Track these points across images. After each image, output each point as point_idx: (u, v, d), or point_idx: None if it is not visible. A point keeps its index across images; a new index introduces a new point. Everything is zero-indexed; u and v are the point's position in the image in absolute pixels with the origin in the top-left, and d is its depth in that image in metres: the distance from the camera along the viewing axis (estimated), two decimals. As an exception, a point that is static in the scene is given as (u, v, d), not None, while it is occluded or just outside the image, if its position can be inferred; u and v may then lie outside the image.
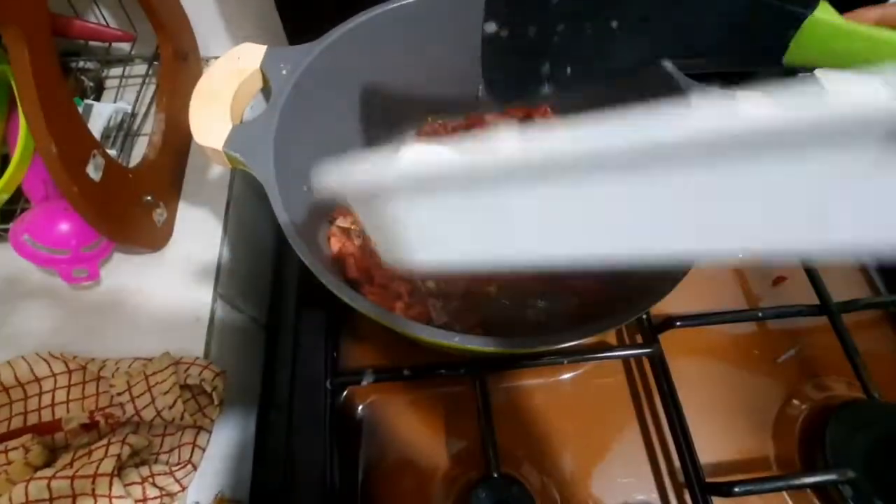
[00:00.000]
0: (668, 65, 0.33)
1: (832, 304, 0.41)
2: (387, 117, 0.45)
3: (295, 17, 0.43)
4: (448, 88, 0.45)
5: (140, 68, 0.52)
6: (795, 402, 0.41)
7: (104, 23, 0.51)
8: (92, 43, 0.52)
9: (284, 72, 0.34)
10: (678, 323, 0.40)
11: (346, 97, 0.39)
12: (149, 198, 0.41)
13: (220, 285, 0.43)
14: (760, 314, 0.41)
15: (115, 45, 0.52)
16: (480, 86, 0.45)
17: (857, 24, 0.22)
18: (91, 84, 0.51)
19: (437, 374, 0.38)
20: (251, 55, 0.34)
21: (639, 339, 0.42)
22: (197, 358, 0.39)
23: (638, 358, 0.41)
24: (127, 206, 0.39)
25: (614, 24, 0.25)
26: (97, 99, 0.51)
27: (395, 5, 0.37)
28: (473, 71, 0.44)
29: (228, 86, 0.32)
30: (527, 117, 0.46)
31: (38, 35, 0.30)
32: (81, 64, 0.51)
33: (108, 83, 0.53)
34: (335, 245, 0.40)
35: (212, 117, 0.31)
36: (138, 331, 0.40)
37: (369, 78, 0.40)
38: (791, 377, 0.42)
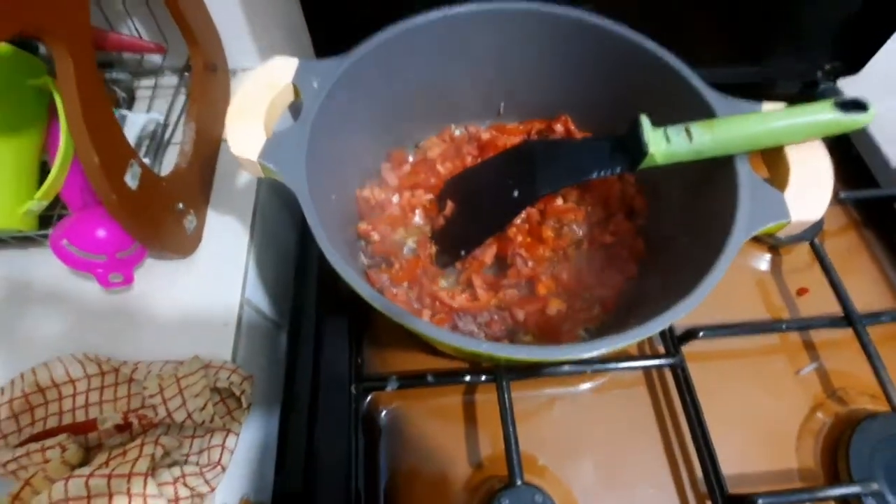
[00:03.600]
0: (693, 80, 0.34)
1: (857, 315, 0.41)
2: (410, 124, 0.46)
3: (324, 30, 0.44)
4: (471, 99, 0.46)
5: (170, 79, 0.54)
6: (819, 414, 0.41)
7: (137, 35, 0.52)
8: (125, 55, 0.54)
9: (315, 85, 0.35)
10: (701, 334, 0.40)
11: (371, 107, 0.40)
12: (180, 205, 0.42)
13: (246, 290, 0.44)
14: (784, 326, 0.41)
15: (147, 56, 0.54)
16: (502, 102, 0.46)
17: (676, 149, 0.31)
18: (123, 95, 0.53)
19: (461, 380, 0.38)
20: (284, 69, 0.35)
21: (661, 349, 0.42)
22: (225, 362, 0.40)
23: (660, 368, 0.41)
24: (160, 214, 0.40)
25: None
26: (129, 108, 0.53)
27: (420, 22, 0.38)
28: (496, 84, 0.45)
29: (263, 99, 0.33)
30: (547, 129, 0.46)
31: (82, 51, 0.31)
32: (114, 75, 0.53)
33: (139, 93, 0.55)
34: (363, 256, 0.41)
35: (247, 129, 0.32)
36: (169, 334, 0.41)
37: (394, 89, 0.41)
38: (815, 389, 0.42)
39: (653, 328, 0.27)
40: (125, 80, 0.54)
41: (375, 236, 0.42)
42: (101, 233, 0.37)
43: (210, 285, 0.44)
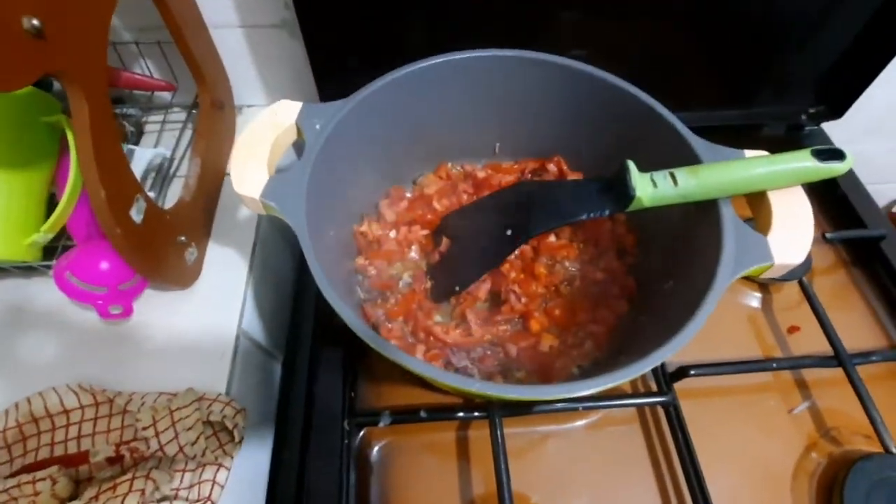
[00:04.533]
0: (680, 127, 0.36)
1: (846, 355, 0.42)
2: (408, 163, 0.48)
3: (328, 74, 0.46)
4: (467, 139, 0.48)
5: (178, 115, 0.56)
6: (813, 454, 0.41)
7: (148, 73, 0.55)
8: (136, 91, 0.56)
9: (318, 126, 0.36)
10: (692, 372, 0.40)
11: (371, 147, 0.42)
12: (182, 238, 0.43)
13: (243, 323, 0.45)
14: (775, 364, 0.41)
15: (157, 93, 0.56)
16: (497, 143, 0.48)
17: (662, 193, 0.33)
18: (132, 129, 0.55)
19: (454, 417, 0.38)
20: (288, 111, 0.37)
21: (653, 387, 0.42)
22: (220, 394, 0.40)
23: (653, 406, 0.41)
24: (162, 246, 0.41)
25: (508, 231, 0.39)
26: (136, 142, 0.55)
27: (419, 68, 0.40)
28: (492, 125, 0.47)
29: (266, 139, 0.35)
30: (540, 168, 0.48)
31: (97, 92, 0.33)
32: (125, 110, 0.55)
33: (148, 127, 0.57)
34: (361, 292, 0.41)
35: (250, 168, 0.33)
36: (165, 364, 0.41)
37: (393, 130, 0.43)
38: (808, 429, 0.42)
39: (641, 368, 0.27)
40: (135, 115, 0.56)
41: (372, 271, 0.43)
42: (104, 265, 0.38)
43: (208, 316, 0.44)
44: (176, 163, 0.52)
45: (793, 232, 0.31)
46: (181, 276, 0.44)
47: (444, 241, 0.43)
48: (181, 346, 0.43)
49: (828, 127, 0.62)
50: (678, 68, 0.53)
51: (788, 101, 0.60)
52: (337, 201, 0.39)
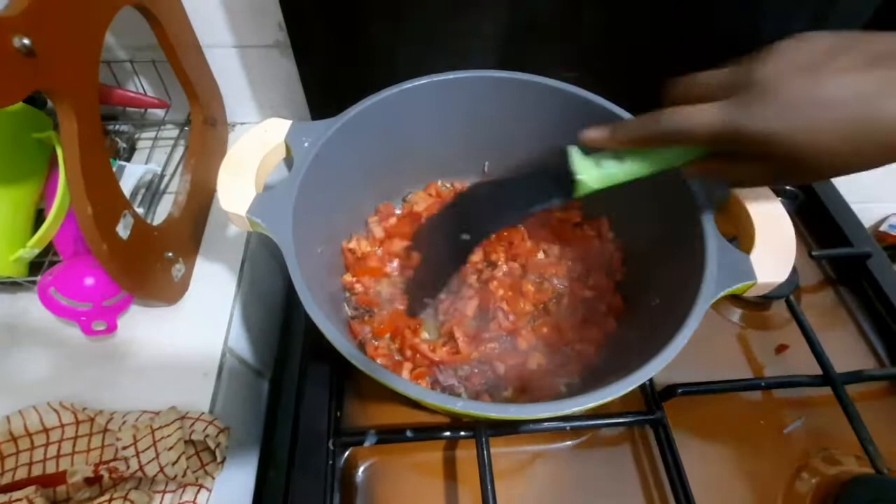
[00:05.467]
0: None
1: (835, 374, 0.42)
2: (397, 180, 0.48)
3: (318, 92, 0.47)
4: (457, 157, 0.49)
5: (171, 131, 0.56)
6: (805, 475, 0.40)
7: (142, 91, 0.55)
8: (129, 108, 0.56)
9: (306, 144, 0.37)
10: (680, 391, 0.40)
11: (360, 165, 0.42)
12: (170, 254, 0.43)
13: (229, 340, 0.44)
14: (763, 383, 0.41)
15: (150, 111, 0.57)
16: (486, 161, 0.49)
17: (609, 171, 0.32)
18: (124, 145, 0.55)
19: (440, 436, 0.38)
20: (277, 129, 0.37)
21: (642, 406, 0.42)
22: (202, 413, 0.39)
23: (641, 426, 0.41)
24: (149, 262, 0.41)
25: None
26: (128, 158, 0.55)
27: (408, 86, 0.41)
28: (481, 144, 0.48)
29: (255, 156, 0.35)
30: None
31: (87, 111, 0.33)
32: (118, 127, 0.55)
33: (140, 143, 0.57)
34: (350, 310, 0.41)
35: (238, 185, 0.34)
36: (150, 382, 0.41)
37: (383, 148, 0.43)
38: (799, 449, 0.42)
39: (626, 385, 0.27)
40: (127, 132, 0.56)
41: (359, 287, 0.43)
42: (88, 281, 0.38)
43: (194, 333, 0.44)
44: (167, 179, 0.52)
45: (775, 251, 0.32)
46: (168, 292, 0.43)
47: (415, 256, 0.43)
48: (166, 364, 0.42)
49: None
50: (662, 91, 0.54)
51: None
52: (325, 218, 0.39)
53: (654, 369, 0.27)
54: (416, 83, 0.41)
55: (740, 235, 0.35)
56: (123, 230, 0.37)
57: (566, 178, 0.33)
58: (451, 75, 0.42)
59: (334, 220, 0.42)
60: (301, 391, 0.41)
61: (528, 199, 0.35)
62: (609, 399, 0.27)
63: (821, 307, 0.51)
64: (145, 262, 0.40)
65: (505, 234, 0.46)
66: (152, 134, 0.56)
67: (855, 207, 0.57)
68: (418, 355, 0.39)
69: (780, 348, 0.47)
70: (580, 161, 0.33)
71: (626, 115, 0.40)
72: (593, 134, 0.32)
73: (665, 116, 0.28)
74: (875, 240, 0.54)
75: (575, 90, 0.41)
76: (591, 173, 0.32)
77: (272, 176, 0.40)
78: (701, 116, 0.26)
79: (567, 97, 0.42)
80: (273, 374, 0.53)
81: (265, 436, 0.49)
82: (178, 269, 0.45)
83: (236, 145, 0.35)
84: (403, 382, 0.28)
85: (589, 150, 0.33)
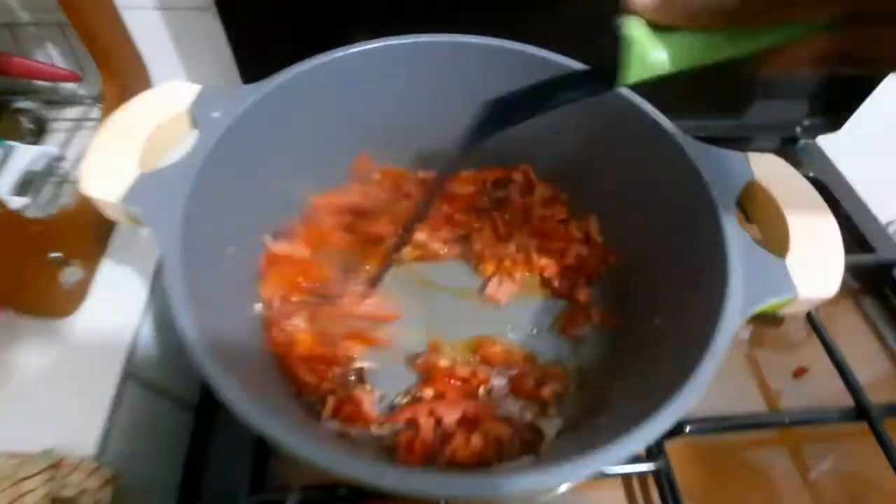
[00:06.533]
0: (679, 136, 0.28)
1: (870, 405, 0.34)
2: (345, 166, 0.40)
3: (251, 58, 0.39)
4: (419, 142, 0.41)
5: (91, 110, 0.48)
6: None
7: (51, 61, 0.47)
8: (37, 82, 0.48)
9: (217, 114, 0.29)
10: (688, 429, 0.32)
11: (293, 146, 0.34)
12: (57, 254, 0.34)
13: (134, 361, 0.36)
14: (787, 419, 0.34)
15: (64, 85, 0.48)
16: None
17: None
18: (31, 126, 0.47)
19: (382, 494, 0.30)
20: (180, 95, 0.29)
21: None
22: (83, 459, 0.31)
23: (641, 475, 0.33)
24: (22, 263, 0.32)
25: None
26: (36, 140, 0.46)
27: (356, 51, 0.33)
28: (447, 126, 0.40)
29: (142, 129, 0.27)
30: (505, 178, 0.41)
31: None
32: (20, 104, 0.47)
33: (58, 125, 0.48)
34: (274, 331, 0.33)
35: (112, 164, 0.25)
36: (22, 417, 0.32)
37: (323, 127, 0.35)
38: (830, 497, 0.34)
39: (627, 447, 0.19)
40: (33, 110, 0.47)
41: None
42: (-71, 288, 0.29)
43: (88, 354, 0.35)
44: (71, 164, 0.43)
45: (818, 255, 0.24)
46: (51, 302, 0.35)
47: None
48: (47, 393, 0.33)
49: (824, 141, 0.56)
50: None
51: (782, 111, 0.55)
52: (243, 210, 0.31)
53: (670, 417, 0.20)
54: (367, 47, 0.33)
55: (765, 236, 0.27)
56: (-29, 222, 0.28)
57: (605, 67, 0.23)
58: (409, 39, 0.34)
59: (254, 214, 0.33)
60: (211, 431, 0.32)
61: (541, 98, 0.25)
62: (606, 466, 0.19)
63: (842, 322, 0.44)
64: (16, 264, 0.32)
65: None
66: (73, 112, 0.47)
67: (874, 210, 0.51)
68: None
69: (799, 372, 0.40)
70: (638, 29, 0.22)
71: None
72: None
73: None
74: (900, 245, 0.48)
75: (563, 60, 0.34)
76: (655, 53, 0.22)
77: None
78: None
79: (552, 69, 0.34)
80: (200, 401, 0.44)
81: (186, 482, 0.40)
82: (70, 274, 0.36)
83: (119, 112, 0.27)
84: (311, 447, 0.19)
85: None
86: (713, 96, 0.53)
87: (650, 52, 0.21)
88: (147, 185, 0.25)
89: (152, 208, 0.24)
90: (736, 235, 0.25)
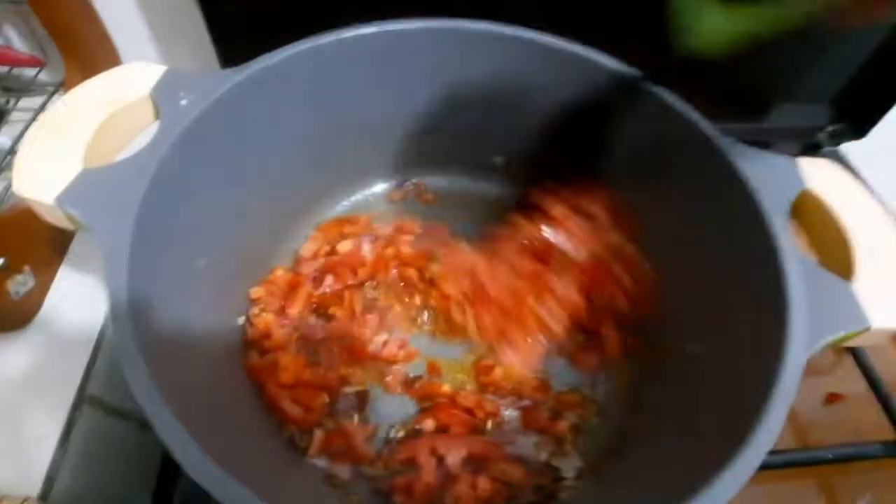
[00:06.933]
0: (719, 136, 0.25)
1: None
2: (337, 172, 0.36)
3: (230, 42, 0.35)
4: (423, 142, 0.37)
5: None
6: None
7: (9, 44, 0.42)
8: (-5, 68, 0.43)
9: (184, 102, 0.24)
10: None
11: (279, 142, 0.30)
12: (0, 261, 0.30)
13: (92, 382, 0.32)
14: (830, 455, 0.30)
15: (23, 70, 0.44)
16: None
17: None
18: (-14, 114, 0.42)
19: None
20: (143, 78, 0.25)
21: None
22: (27, 498, 0.26)
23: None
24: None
25: None
26: (-7, 130, 0.42)
27: (349, 35, 0.29)
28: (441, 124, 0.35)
29: (91, 117, 0.23)
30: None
31: None
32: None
33: (18, 115, 0.44)
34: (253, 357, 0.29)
35: (52, 159, 0.21)
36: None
37: (311, 120, 0.31)
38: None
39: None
40: (-11, 97, 0.43)
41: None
42: None
43: (38, 374, 0.31)
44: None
45: (891, 279, 0.21)
46: (-4, 315, 0.31)
47: None
48: (-11, 418, 0.29)
49: (848, 148, 0.53)
50: (681, 75, 0.44)
51: (804, 116, 0.51)
52: (214, 215, 0.27)
53: (734, 485, 0.16)
54: (361, 32, 0.29)
55: (823, 256, 0.23)
56: None
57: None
58: (410, 24, 0.30)
59: (233, 219, 0.29)
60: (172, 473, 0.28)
61: None
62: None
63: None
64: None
65: None
66: (35, 102, 0.43)
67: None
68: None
69: (832, 398, 0.37)
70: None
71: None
72: None
73: None
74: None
75: (578, 49, 0.30)
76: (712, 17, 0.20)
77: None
78: None
79: (568, 59, 0.30)
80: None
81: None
82: (19, 283, 0.32)
83: (65, 97, 0.23)
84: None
85: None
86: (730, 100, 0.49)
87: (707, 16, 0.20)
88: (90, 184, 0.21)
89: (94, 211, 0.20)
90: (793, 254, 0.21)
